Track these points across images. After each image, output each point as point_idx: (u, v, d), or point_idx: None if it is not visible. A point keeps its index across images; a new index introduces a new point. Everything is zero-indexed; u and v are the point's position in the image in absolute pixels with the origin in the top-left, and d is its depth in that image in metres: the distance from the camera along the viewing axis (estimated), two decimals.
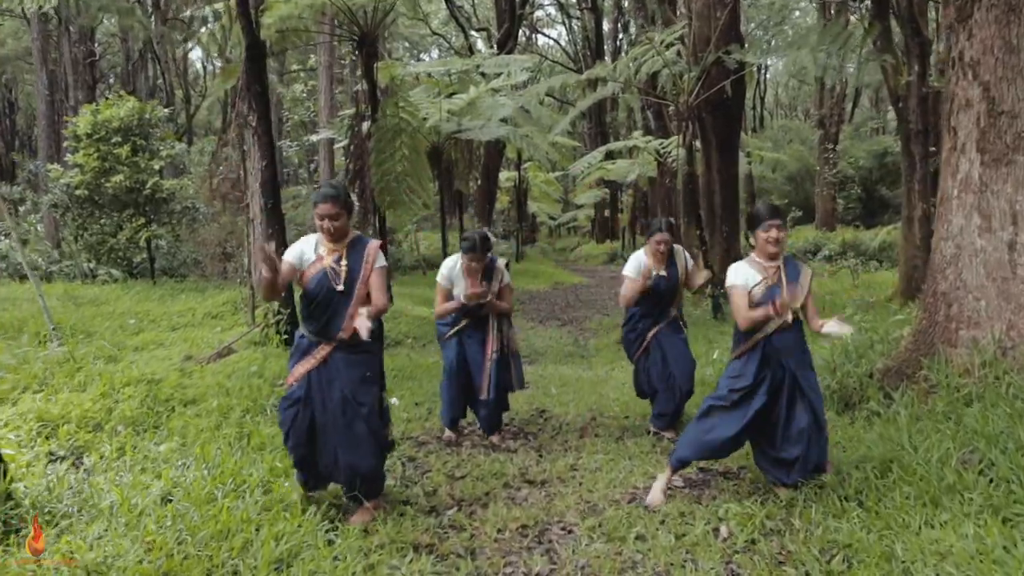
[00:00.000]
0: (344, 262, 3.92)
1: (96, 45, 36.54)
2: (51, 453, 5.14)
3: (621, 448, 5.36)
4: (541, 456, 5.26)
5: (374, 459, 4.01)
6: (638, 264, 5.66)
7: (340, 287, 3.90)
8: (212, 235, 16.01)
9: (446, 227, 18.80)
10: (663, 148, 18.21)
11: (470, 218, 28.56)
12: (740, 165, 17.47)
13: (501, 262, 5.67)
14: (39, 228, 19.42)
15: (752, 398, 4.16)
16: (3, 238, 17.91)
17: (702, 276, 5.74)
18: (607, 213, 38.43)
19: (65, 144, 16.22)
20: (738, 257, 13.61)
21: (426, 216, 27.17)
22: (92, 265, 16.23)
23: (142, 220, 15.84)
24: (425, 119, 16.81)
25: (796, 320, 4.21)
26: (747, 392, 4.16)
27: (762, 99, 45.95)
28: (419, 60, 38.06)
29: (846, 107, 33.82)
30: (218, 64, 36.91)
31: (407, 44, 43.70)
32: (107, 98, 16.53)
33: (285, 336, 8.74)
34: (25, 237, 16.95)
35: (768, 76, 47.40)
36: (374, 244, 4.04)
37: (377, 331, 4.10)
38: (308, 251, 4.03)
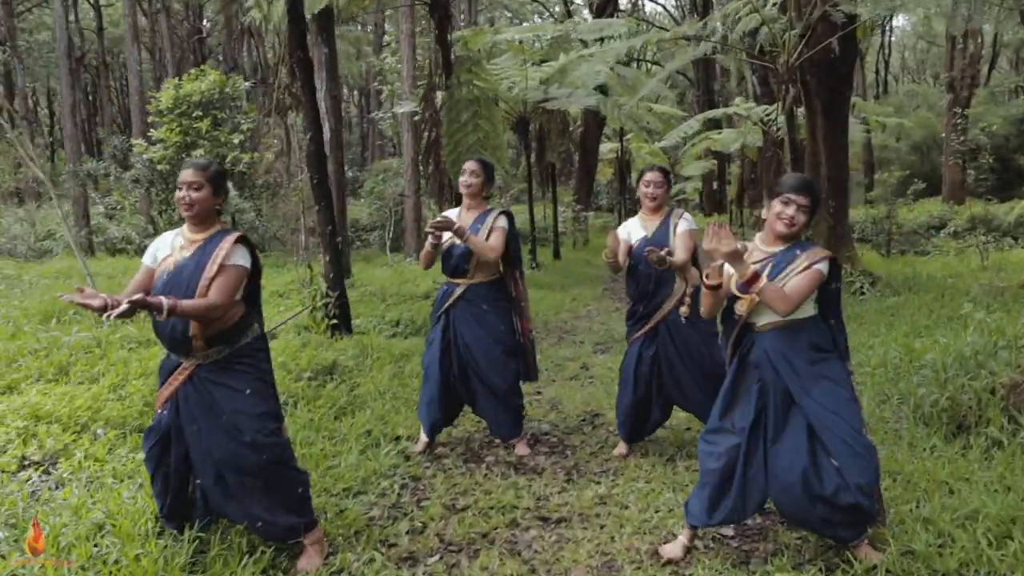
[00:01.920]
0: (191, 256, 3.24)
1: (205, 22, 37.24)
2: (24, 458, 4.63)
3: (668, 474, 4.41)
4: (569, 481, 4.37)
5: (279, 509, 3.25)
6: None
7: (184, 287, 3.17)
8: (292, 209, 15.70)
9: (533, 201, 17.91)
10: (766, 115, 16.76)
11: (566, 191, 27.57)
12: (853, 132, 15.90)
13: (501, 218, 4.74)
14: (137, 203, 19.65)
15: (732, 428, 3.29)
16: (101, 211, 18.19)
17: (682, 250, 4.47)
18: (715, 185, 36.62)
19: (150, 120, 16.17)
20: (844, 237, 12.23)
21: (522, 191, 26.60)
22: None
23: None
24: (511, 88, 16.00)
25: (807, 321, 3.24)
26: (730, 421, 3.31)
27: (886, 62, 42.87)
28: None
29: (981, 69, 30.93)
30: None
31: (508, 13, 42.86)
32: (189, 73, 16.39)
33: (333, 321, 8.15)
34: (112, 212, 17.12)
35: (893, 38, 44.20)
36: (231, 237, 3.27)
37: (258, 343, 3.39)
38: (163, 247, 3.35)
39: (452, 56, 12.67)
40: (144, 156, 15.43)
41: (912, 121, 27.32)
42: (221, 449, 3.16)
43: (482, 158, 4.90)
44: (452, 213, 4.84)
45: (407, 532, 3.67)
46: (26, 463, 4.58)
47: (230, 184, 15.40)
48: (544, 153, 19.94)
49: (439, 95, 13.10)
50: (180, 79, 16.11)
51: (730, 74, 36.93)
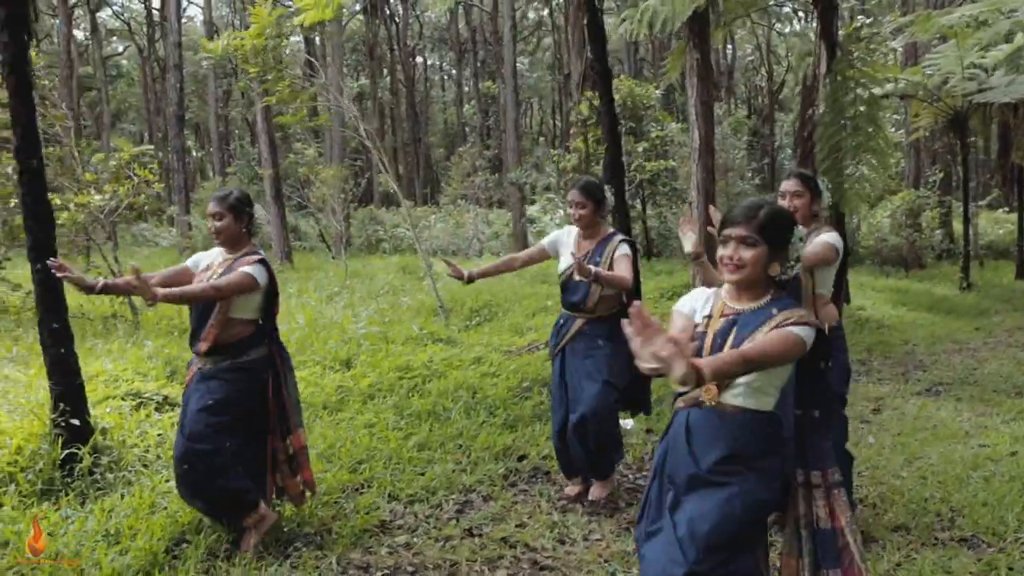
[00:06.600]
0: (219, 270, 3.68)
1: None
2: None
3: None
4: (626, 531, 3.97)
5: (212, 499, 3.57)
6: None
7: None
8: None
9: (968, 208, 15.43)
10: None
11: None
12: None
13: (623, 246, 4.32)
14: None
15: None
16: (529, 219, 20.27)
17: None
18: None
19: (572, 131, 17.59)
20: None
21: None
22: None
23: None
24: (946, 81, 14.09)
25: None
26: None
27: None
28: None
29: None
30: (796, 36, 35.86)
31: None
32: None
33: None
34: (532, 217, 18.99)
35: None
36: (253, 257, 3.70)
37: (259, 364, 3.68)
38: (206, 259, 3.85)
39: (837, 48, 11.59)
40: (558, 165, 16.80)
41: None
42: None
43: (586, 183, 4.41)
44: (568, 233, 4.60)
45: (397, 545, 3.76)
46: None
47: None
48: (1008, 152, 17.05)
49: (823, 93, 12.07)
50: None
51: None
